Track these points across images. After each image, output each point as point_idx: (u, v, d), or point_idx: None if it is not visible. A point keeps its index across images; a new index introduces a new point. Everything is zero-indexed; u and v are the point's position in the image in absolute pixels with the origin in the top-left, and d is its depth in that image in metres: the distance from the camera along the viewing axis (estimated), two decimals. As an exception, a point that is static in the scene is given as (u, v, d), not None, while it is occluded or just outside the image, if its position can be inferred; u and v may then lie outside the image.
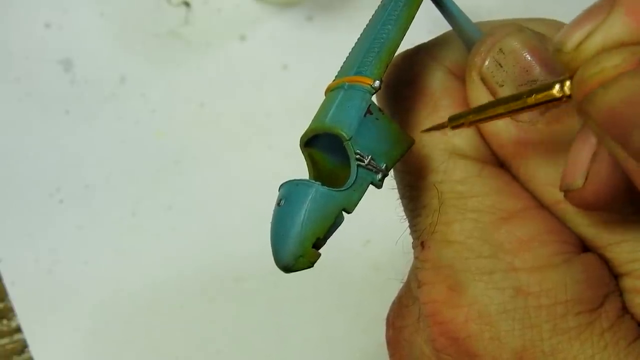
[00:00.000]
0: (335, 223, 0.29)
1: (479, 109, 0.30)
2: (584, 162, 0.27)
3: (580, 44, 0.26)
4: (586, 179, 0.27)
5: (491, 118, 0.29)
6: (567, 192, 0.28)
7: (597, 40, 0.26)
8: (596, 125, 0.26)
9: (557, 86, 0.27)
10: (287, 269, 0.29)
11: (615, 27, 0.25)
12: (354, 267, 0.70)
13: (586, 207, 0.28)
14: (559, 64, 0.27)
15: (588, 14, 0.26)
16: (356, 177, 0.29)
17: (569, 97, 0.26)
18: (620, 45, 0.25)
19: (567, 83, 0.26)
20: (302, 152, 0.31)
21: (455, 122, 0.30)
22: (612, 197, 0.27)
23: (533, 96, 0.27)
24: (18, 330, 0.67)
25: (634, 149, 0.25)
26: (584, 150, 0.27)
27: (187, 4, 0.75)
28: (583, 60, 0.26)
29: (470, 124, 0.30)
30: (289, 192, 0.29)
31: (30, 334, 0.68)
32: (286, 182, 0.30)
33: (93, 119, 0.73)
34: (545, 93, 0.27)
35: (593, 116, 0.25)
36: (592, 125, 0.26)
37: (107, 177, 0.72)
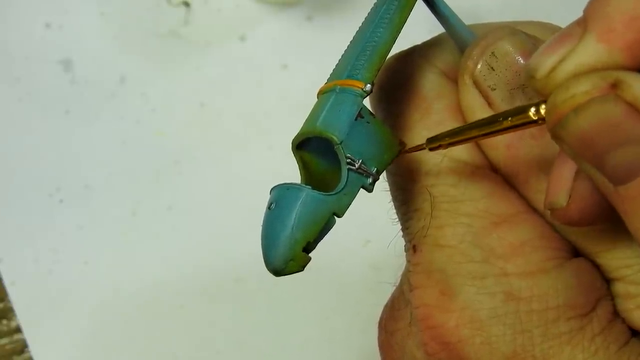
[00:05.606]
0: (325, 227, 0.29)
1: (457, 130, 0.30)
2: (566, 181, 0.27)
3: (552, 70, 0.26)
4: (570, 197, 0.27)
5: (469, 140, 0.30)
6: (551, 210, 0.28)
7: (569, 68, 0.26)
8: (570, 150, 0.26)
9: (532, 109, 0.27)
10: (277, 272, 0.29)
11: (587, 54, 0.25)
12: (354, 268, 0.70)
13: (572, 224, 0.28)
14: (532, 90, 0.27)
15: (559, 40, 0.26)
16: (347, 181, 0.29)
17: (544, 119, 0.26)
18: (591, 71, 0.25)
19: (543, 106, 0.26)
20: (294, 155, 0.31)
21: (433, 143, 0.30)
22: (596, 213, 0.27)
23: (509, 119, 0.27)
24: (18, 330, 0.67)
25: (609, 172, 0.25)
26: (566, 169, 0.27)
27: (187, 4, 0.75)
28: (555, 86, 0.26)
29: (448, 145, 0.30)
30: (280, 196, 0.29)
31: (30, 334, 0.68)
32: (277, 185, 0.30)
33: (93, 119, 0.73)
34: (521, 116, 0.27)
35: (566, 141, 0.25)
36: (566, 150, 0.26)
37: (107, 177, 0.72)
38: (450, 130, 0.30)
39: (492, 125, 0.28)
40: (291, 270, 0.29)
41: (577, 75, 0.25)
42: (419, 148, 0.31)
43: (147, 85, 0.74)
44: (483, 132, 0.29)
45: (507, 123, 0.28)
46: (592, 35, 0.25)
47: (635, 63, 0.25)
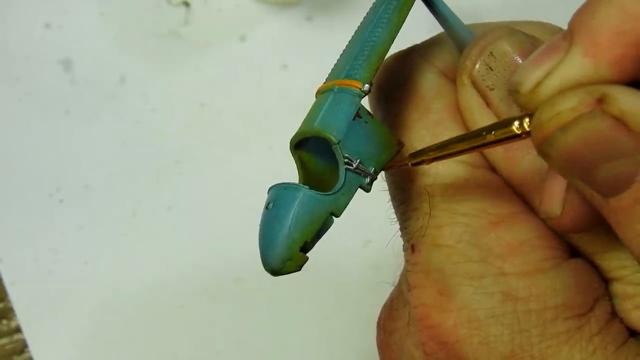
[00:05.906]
0: (323, 227, 0.29)
1: (439, 145, 0.30)
2: (559, 191, 0.27)
3: (536, 85, 0.25)
4: (563, 207, 0.27)
5: (452, 155, 0.29)
6: (546, 219, 0.28)
7: (554, 83, 0.25)
8: (558, 166, 0.25)
9: (516, 123, 0.26)
10: (274, 272, 0.29)
11: (573, 68, 0.25)
12: (354, 268, 0.70)
13: (567, 231, 0.28)
14: (516, 105, 0.27)
15: (545, 53, 0.26)
16: (344, 181, 0.29)
17: (528, 133, 0.26)
18: (576, 85, 0.25)
19: (527, 119, 0.26)
20: (292, 155, 0.31)
21: (415, 159, 0.30)
22: (590, 220, 0.27)
23: (492, 133, 0.27)
24: (18, 330, 0.67)
25: (598, 186, 0.25)
26: (558, 180, 0.27)
27: (187, 4, 0.75)
28: (540, 102, 0.25)
29: (431, 160, 0.30)
30: (277, 195, 0.29)
31: (30, 334, 0.68)
32: (274, 185, 0.30)
33: (93, 119, 0.73)
34: (504, 130, 0.27)
35: (554, 158, 0.25)
36: (554, 166, 0.26)
37: (107, 177, 0.72)
38: (433, 145, 0.30)
39: (475, 140, 0.28)
40: (288, 270, 0.29)
41: (563, 91, 0.25)
42: (402, 164, 0.31)
43: (147, 85, 0.74)
44: (466, 147, 0.28)
45: (491, 137, 0.27)
46: (578, 49, 0.25)
47: (622, 77, 0.25)
